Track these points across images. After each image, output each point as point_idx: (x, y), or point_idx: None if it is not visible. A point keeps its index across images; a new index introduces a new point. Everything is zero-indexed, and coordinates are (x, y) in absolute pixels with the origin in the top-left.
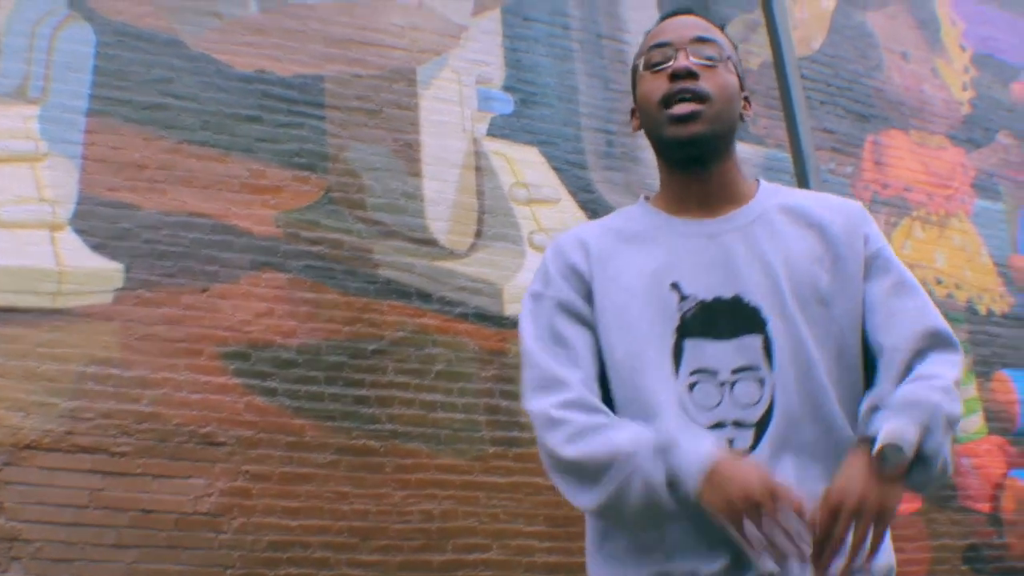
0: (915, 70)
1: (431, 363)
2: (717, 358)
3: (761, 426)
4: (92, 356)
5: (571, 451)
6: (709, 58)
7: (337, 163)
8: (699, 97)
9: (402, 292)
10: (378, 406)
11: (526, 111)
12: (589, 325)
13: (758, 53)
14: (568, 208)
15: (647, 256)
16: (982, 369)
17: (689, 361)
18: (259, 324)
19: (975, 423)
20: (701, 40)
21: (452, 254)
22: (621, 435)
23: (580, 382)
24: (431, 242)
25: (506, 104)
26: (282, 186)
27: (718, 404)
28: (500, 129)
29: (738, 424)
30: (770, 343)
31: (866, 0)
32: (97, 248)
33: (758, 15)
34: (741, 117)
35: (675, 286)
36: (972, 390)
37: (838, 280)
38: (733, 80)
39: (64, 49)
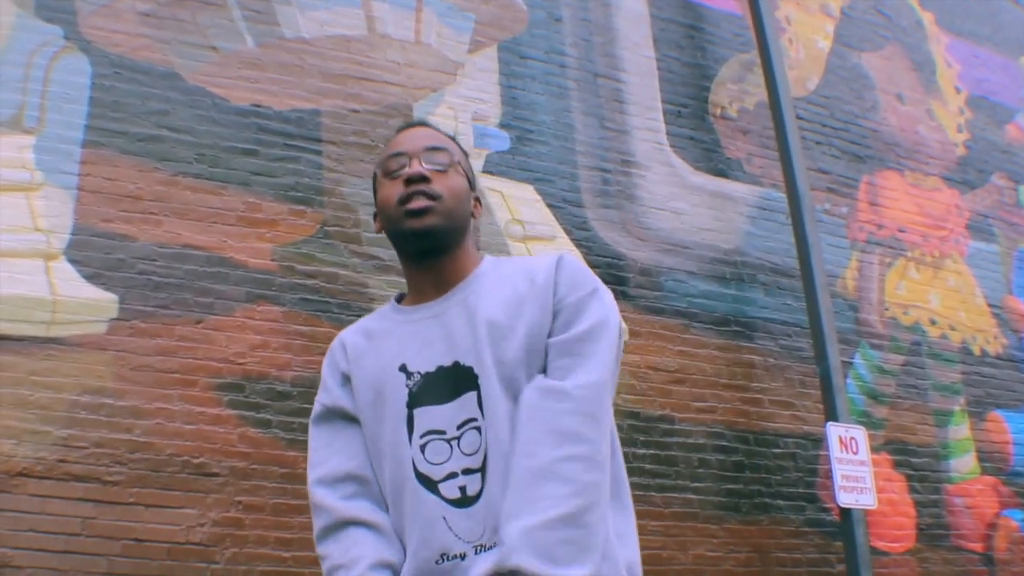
0: (910, 112)
1: None
2: (443, 419)
3: (484, 469)
4: (85, 385)
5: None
6: (439, 164)
7: (333, 197)
8: (431, 196)
9: None
10: None
11: (522, 148)
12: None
13: (754, 93)
14: (563, 245)
15: (384, 350)
16: (976, 409)
17: (419, 427)
18: (254, 356)
19: (969, 463)
20: (432, 149)
21: None
22: None
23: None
24: None
25: (502, 141)
26: (278, 219)
27: (448, 458)
28: (496, 166)
29: (467, 471)
30: (480, 395)
31: (862, 42)
32: (92, 278)
33: (754, 55)
34: (472, 215)
35: (403, 368)
36: (965, 430)
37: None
38: (462, 182)
39: (60, 80)
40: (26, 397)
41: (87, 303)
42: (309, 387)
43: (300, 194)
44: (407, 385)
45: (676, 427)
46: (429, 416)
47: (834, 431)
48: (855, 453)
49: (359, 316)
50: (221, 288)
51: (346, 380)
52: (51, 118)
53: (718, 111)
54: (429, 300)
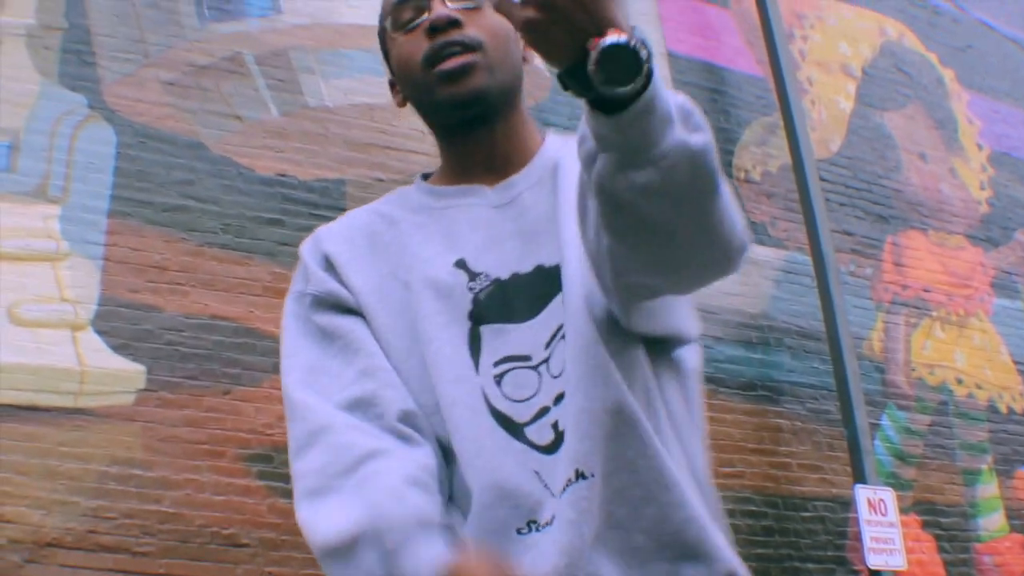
0: (933, 170)
1: None
2: (526, 341)
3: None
4: (114, 456)
5: (305, 512)
6: (472, 2)
7: None
8: (469, 47)
9: None
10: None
11: None
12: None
13: (777, 156)
14: None
15: (418, 238)
16: (1003, 468)
17: (492, 350)
18: (281, 427)
19: (997, 521)
20: None
21: None
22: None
23: (359, 375)
24: None
25: None
26: None
27: (536, 391)
28: None
29: (559, 399)
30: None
31: (884, 101)
32: (119, 349)
33: (777, 117)
34: (524, 59)
35: (461, 264)
36: (994, 488)
37: None
38: (502, 19)
39: (85, 149)
40: (55, 468)
41: (114, 374)
42: None
43: None
44: (471, 289)
45: None
46: (506, 337)
47: (863, 493)
48: (884, 515)
49: None
50: (248, 359)
51: (330, 267)
52: (76, 187)
53: (742, 175)
54: (480, 182)
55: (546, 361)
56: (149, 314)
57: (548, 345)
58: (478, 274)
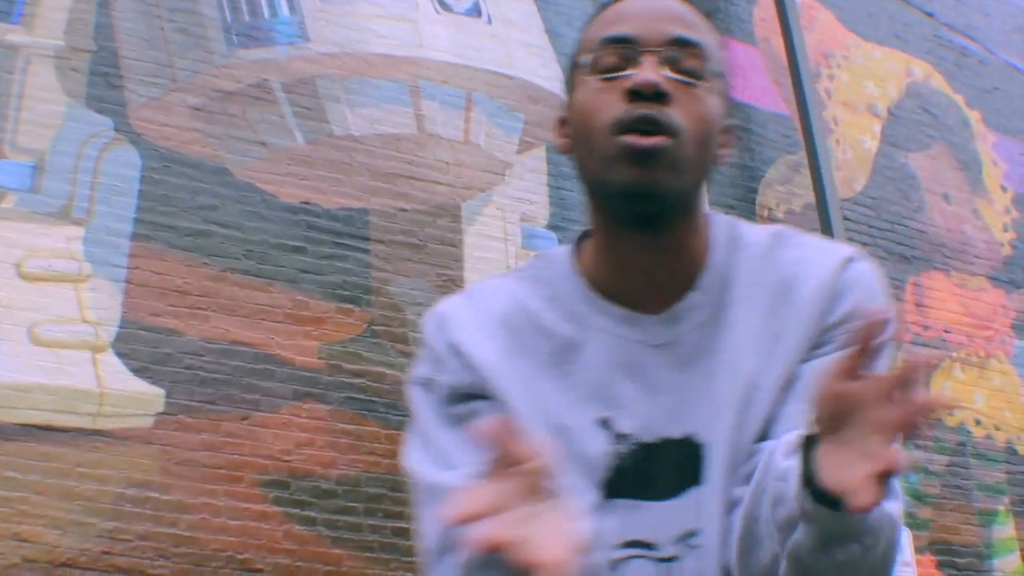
0: (957, 211)
1: None
2: (657, 525)
3: None
4: (131, 478)
5: None
6: (689, 73)
7: (380, 296)
8: (667, 129)
9: None
10: (417, 539)
11: None
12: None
13: (801, 195)
14: None
15: (559, 368)
16: (1020, 509)
17: (616, 530)
18: (299, 454)
19: (1013, 563)
20: (681, 42)
21: None
22: None
23: None
24: None
25: (550, 243)
26: (325, 318)
27: None
28: None
29: None
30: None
31: (909, 141)
32: (138, 372)
33: (801, 156)
34: (715, 160)
35: (605, 423)
36: (1010, 529)
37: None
38: (716, 107)
39: (110, 171)
40: (71, 488)
41: (134, 396)
42: (354, 486)
43: (347, 292)
44: (610, 454)
45: None
46: (639, 517)
47: None
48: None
49: (406, 416)
50: (268, 385)
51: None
52: (100, 210)
53: (766, 213)
54: (636, 296)
55: (674, 561)
56: (169, 338)
57: (678, 542)
58: (623, 435)
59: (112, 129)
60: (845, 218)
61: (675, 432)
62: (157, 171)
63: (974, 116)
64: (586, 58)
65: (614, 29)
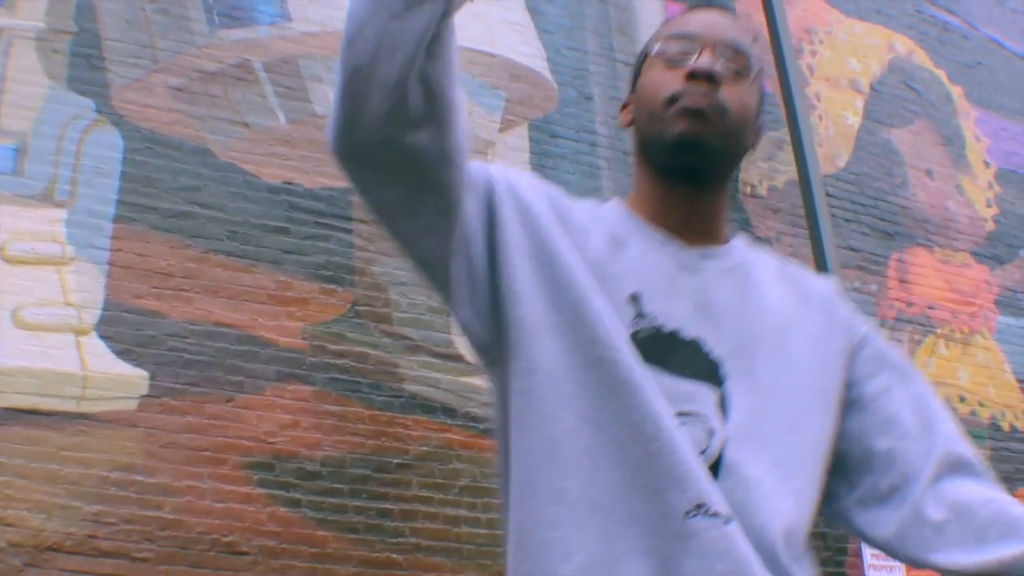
0: (940, 187)
1: (455, 478)
2: (688, 397)
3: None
4: (115, 462)
5: None
6: (739, 67)
7: (364, 276)
8: (715, 105)
9: (427, 407)
10: (402, 520)
11: None
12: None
13: (783, 171)
14: None
15: (606, 250)
16: (1005, 486)
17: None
18: (284, 435)
19: None
20: (734, 47)
21: (478, 370)
22: None
23: None
24: (457, 357)
25: None
26: (308, 298)
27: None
28: None
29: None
30: (726, 402)
31: (891, 117)
32: (122, 354)
33: (784, 133)
34: (748, 147)
35: (635, 298)
36: None
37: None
38: (755, 100)
39: (92, 153)
40: (56, 472)
41: (118, 379)
42: (338, 467)
43: (331, 273)
44: (632, 325)
45: None
46: (663, 384)
47: None
48: None
49: (390, 397)
50: (251, 367)
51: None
52: (83, 192)
53: (748, 190)
54: (675, 234)
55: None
56: (153, 320)
57: (680, 416)
58: (646, 314)
59: (94, 111)
60: (828, 194)
61: (689, 331)
62: (139, 152)
63: (957, 91)
64: (655, 46)
65: (682, 27)
